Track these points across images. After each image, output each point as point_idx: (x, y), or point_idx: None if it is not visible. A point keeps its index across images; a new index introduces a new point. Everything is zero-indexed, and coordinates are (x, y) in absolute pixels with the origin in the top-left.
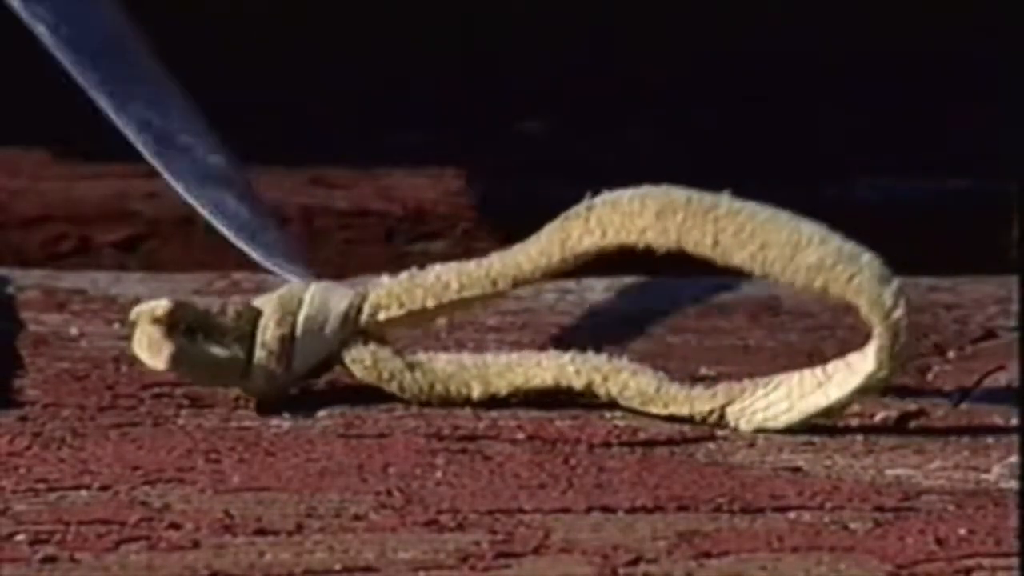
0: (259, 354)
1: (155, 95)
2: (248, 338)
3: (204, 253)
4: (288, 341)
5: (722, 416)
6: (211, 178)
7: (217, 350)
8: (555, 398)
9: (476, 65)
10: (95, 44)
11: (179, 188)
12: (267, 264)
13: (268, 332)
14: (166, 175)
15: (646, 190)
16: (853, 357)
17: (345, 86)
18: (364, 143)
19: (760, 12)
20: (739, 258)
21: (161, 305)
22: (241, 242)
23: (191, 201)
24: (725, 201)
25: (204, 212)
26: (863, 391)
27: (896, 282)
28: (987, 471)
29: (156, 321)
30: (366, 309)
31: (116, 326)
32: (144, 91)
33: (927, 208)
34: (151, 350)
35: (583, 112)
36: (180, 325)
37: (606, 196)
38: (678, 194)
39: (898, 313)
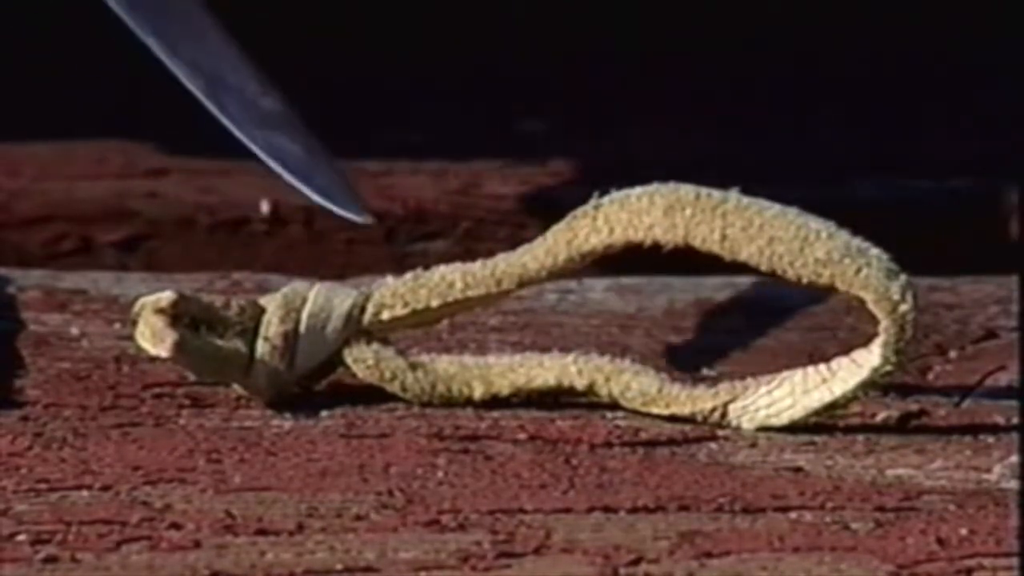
0: (262, 349)
1: (204, 39)
2: (251, 333)
3: (204, 253)
4: (291, 337)
5: (724, 414)
6: (265, 119)
7: (220, 343)
8: (557, 398)
9: (476, 65)
10: None
11: (234, 130)
12: (323, 203)
13: (271, 328)
14: (220, 117)
15: (654, 187)
16: (858, 353)
17: (344, 86)
18: (364, 143)
19: (761, 12)
20: (747, 253)
21: (165, 296)
22: (297, 182)
23: (246, 142)
24: (733, 197)
25: (259, 153)
26: (867, 386)
27: (903, 277)
28: (988, 471)
29: (160, 312)
30: (369, 308)
31: (117, 326)
32: (193, 35)
33: (927, 208)
34: (154, 339)
35: (583, 112)
36: (184, 318)
37: (614, 195)
38: (686, 190)
39: (905, 307)
